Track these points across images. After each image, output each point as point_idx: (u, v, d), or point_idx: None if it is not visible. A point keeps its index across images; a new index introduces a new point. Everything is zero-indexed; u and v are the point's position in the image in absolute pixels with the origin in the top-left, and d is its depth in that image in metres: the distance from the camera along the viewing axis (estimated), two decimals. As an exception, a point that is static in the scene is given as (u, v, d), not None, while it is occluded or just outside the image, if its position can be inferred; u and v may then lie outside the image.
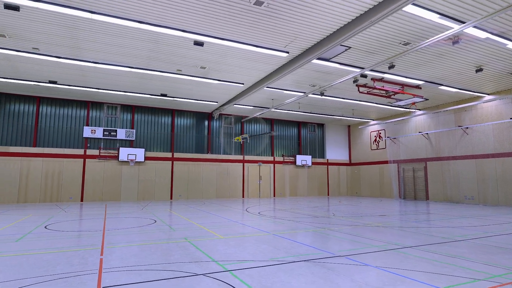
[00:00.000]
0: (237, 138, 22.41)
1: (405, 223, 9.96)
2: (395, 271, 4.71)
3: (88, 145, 19.69)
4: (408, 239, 7.25)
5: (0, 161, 17.41)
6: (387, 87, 15.71)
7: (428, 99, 18.62)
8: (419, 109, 21.41)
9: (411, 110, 21.61)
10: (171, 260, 5.34)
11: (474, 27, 9.59)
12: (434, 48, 11.69)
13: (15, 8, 8.84)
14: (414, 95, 16.63)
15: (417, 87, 16.22)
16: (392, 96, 17.15)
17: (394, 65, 12.59)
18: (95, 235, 7.70)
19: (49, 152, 18.50)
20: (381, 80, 15.19)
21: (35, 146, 18.38)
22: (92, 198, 19.12)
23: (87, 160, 19.31)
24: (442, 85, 15.79)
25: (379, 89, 15.55)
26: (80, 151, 19.24)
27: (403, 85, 15.90)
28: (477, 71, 13.48)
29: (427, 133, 21.12)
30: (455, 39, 10.25)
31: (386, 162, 24.36)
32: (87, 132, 19.57)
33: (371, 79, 15.00)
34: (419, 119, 21.83)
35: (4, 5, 8.71)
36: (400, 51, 11.70)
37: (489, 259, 5.48)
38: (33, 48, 11.80)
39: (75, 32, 10.54)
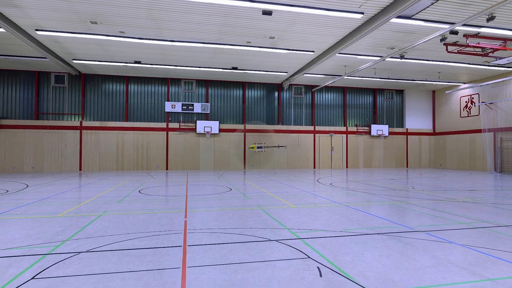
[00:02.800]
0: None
1: (501, 200, 8.81)
2: (486, 251, 4.27)
3: (170, 118, 21.53)
4: (504, 217, 6.43)
5: (102, 134, 20.26)
6: (484, 43, 13.46)
7: (539, 55, 15.49)
8: (526, 68, 17.99)
9: (515, 69, 18.29)
10: (246, 226, 5.69)
11: None
12: (552, -10, 9.48)
13: (103, -4, 9.76)
14: (520, 51, 13.96)
15: (525, 40, 13.54)
16: (490, 54, 14.66)
17: (495, 17, 10.62)
18: (180, 200, 8.58)
19: (138, 126, 20.80)
20: (476, 36, 13.04)
21: (127, 120, 20.82)
22: (175, 167, 21.15)
23: (169, 132, 21.22)
24: (560, 36, 12.91)
25: (474, 46, 13.41)
26: (163, 125, 21.18)
27: (505, 39, 13.43)
28: None
29: (535, 96, 17.78)
30: None
31: (479, 131, 21.43)
32: (168, 107, 21.34)
33: (463, 35, 12.99)
34: (526, 80, 18.41)
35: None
36: (504, -1, 9.79)
37: None
38: (119, 32, 13.04)
39: (154, 13, 11.27)
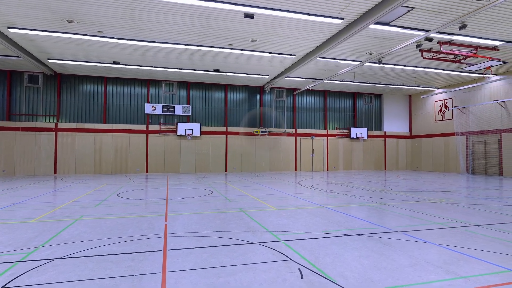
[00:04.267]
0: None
1: (473, 200, 9.20)
2: (459, 250, 4.44)
3: (150, 120, 21.15)
4: (476, 217, 6.72)
5: (78, 136, 19.62)
6: (457, 50, 14.07)
7: (506, 62, 16.34)
8: (495, 74, 18.93)
9: (485, 75, 19.20)
10: (227, 229, 5.66)
11: None
12: (518, 2, 10.05)
13: (81, -6, 9.50)
14: (490, 58, 14.68)
15: (494, 48, 14.26)
16: (463, 61, 15.34)
17: (466, 25, 11.15)
18: (160, 203, 8.43)
19: (117, 128, 20.30)
20: (450, 43, 13.62)
21: (105, 122, 20.27)
22: (155, 170, 20.77)
23: (149, 135, 20.84)
24: (526, 44, 13.67)
25: (447, 53, 13.99)
26: (143, 127, 20.78)
27: (476, 47, 14.09)
28: None
29: (503, 101, 18.72)
30: (547, -11, 8.67)
31: (452, 134, 22.33)
32: (148, 108, 20.96)
33: (438, 42, 13.53)
34: (495, 86, 19.36)
35: (72, -8, 9.41)
36: (474, 8, 10.28)
37: None
38: (98, 31, 12.71)
39: (134, 13, 11.07)
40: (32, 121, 19.15)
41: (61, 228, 5.64)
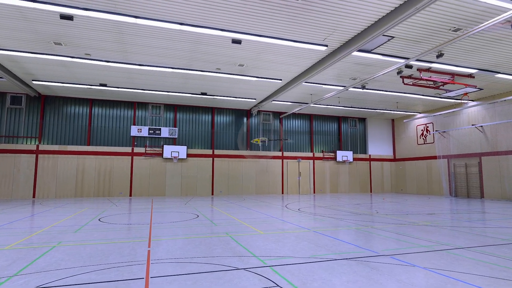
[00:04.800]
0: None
1: (457, 222, 9.31)
2: (446, 273, 4.43)
3: (135, 143, 20.88)
4: (460, 240, 6.78)
5: (60, 159, 19.10)
6: (435, 77, 14.71)
7: (482, 89, 17.16)
8: (472, 100, 19.79)
9: (462, 101, 20.04)
10: (213, 254, 5.50)
11: (538, 7, 8.63)
12: (489, 33, 10.72)
13: (69, 17, 9.60)
14: (466, 85, 15.40)
15: (470, 76, 15.00)
16: (441, 87, 16.02)
17: (443, 54, 11.75)
18: (143, 228, 8.17)
19: (101, 150, 19.91)
20: (428, 70, 14.26)
21: (89, 144, 19.89)
22: (140, 193, 20.28)
23: (134, 157, 20.50)
24: (498, 72, 14.45)
25: (426, 80, 14.61)
26: (128, 149, 20.46)
27: (453, 74, 14.79)
28: (541, 55, 12.15)
29: (481, 126, 19.48)
30: (515, 22, 9.31)
31: (434, 157, 22.90)
32: (134, 131, 20.75)
33: (417, 69, 14.15)
34: (472, 111, 20.19)
35: (60, 16, 9.49)
36: (450, 38, 10.89)
37: (557, 264, 4.95)
38: (85, 54, 12.73)
39: (122, 36, 11.19)
40: (13, 143, 18.61)
41: (37, 256, 5.35)
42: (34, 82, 16.47)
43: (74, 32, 10.85)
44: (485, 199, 18.65)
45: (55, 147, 19.11)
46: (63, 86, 17.27)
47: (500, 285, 3.95)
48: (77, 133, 19.90)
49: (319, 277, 4.28)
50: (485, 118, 19.39)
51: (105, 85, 17.19)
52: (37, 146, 18.81)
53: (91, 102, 20.28)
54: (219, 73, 14.91)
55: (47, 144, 19.23)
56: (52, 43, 11.70)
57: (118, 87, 17.60)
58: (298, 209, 12.86)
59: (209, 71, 14.75)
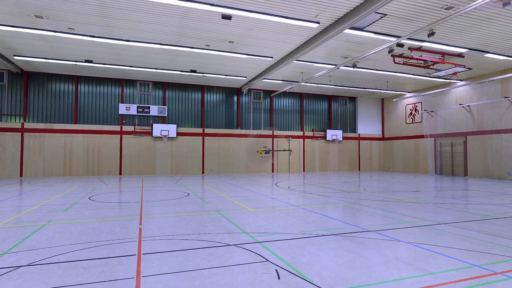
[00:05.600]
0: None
1: (441, 199, 9.64)
2: (428, 247, 4.63)
3: (124, 121, 20.57)
4: (443, 216, 7.04)
5: (47, 137, 18.74)
6: (426, 56, 14.71)
7: (471, 69, 17.28)
8: (461, 80, 19.98)
9: (451, 81, 20.21)
10: (204, 231, 5.60)
11: (530, -15, 8.59)
12: (481, 12, 10.67)
13: (50, -11, 9.11)
14: (456, 65, 15.47)
15: (460, 55, 15.06)
16: (431, 66, 16.07)
17: (434, 32, 11.69)
18: (134, 206, 8.21)
19: (88, 128, 19.58)
20: (419, 49, 14.23)
21: (76, 123, 19.51)
22: (129, 172, 20.21)
23: (123, 136, 20.25)
24: (488, 52, 14.53)
25: (417, 59, 14.60)
26: (117, 128, 20.17)
27: (443, 54, 14.81)
28: (530, 35, 12.23)
29: (468, 106, 19.79)
30: (506, 0, 9.27)
31: (421, 136, 23.31)
32: (122, 109, 20.38)
33: (408, 48, 14.10)
34: (460, 91, 20.43)
35: (40, -13, 9.00)
36: (442, 17, 10.81)
37: (532, 237, 5.22)
38: (69, 28, 12.23)
39: (106, 10, 10.74)
40: (-4, 121, 18.12)
41: (27, 234, 5.35)
42: (15, 57, 15.84)
43: (56, 5, 10.36)
44: (468, 177, 19.25)
45: (41, 126, 18.69)
46: (46, 62, 16.66)
47: (478, 258, 4.16)
48: (64, 111, 19.44)
49: (308, 252, 4.42)
50: (472, 98, 19.67)
51: (90, 62, 16.66)
52: (22, 124, 18.36)
53: (76, 79, 19.70)
54: (209, 50, 14.58)
55: (33, 122, 18.78)
56: (33, 16, 11.16)
57: (105, 64, 17.09)
58: (288, 187, 13.06)
59: (198, 48, 14.40)
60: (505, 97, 17.54)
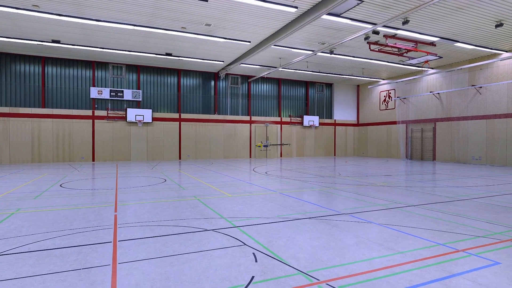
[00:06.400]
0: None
1: (410, 183, 10.10)
2: (398, 228, 4.87)
3: (96, 106, 19.78)
4: (412, 198, 7.40)
5: (12, 121, 17.73)
6: (400, 44, 15.05)
7: (442, 57, 17.90)
8: (432, 68, 20.68)
9: (423, 68, 20.87)
10: (181, 217, 5.58)
11: (498, -23, 8.89)
12: (453, 1, 10.98)
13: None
14: (428, 53, 15.96)
15: (431, 44, 15.53)
16: (405, 54, 16.49)
17: (409, 21, 11.95)
18: (109, 193, 8.02)
19: (58, 113, 18.68)
20: (394, 37, 14.52)
21: (44, 107, 18.54)
22: (103, 158, 19.62)
23: (95, 121, 19.52)
24: (457, 41, 15.07)
25: (392, 46, 14.92)
26: (89, 112, 19.39)
27: (416, 42, 15.21)
28: (496, 26, 12.75)
29: (438, 93, 20.59)
30: (476, -9, 9.57)
31: (394, 122, 24.10)
32: (94, 93, 19.56)
33: (384, 35, 14.35)
34: (431, 78, 21.17)
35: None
36: (416, 5, 11.03)
37: (491, 217, 5.61)
38: (33, 5, 11.42)
39: (75, -13, 10.10)
40: (-46, 104, 16.88)
41: (-6, 223, 5.12)
42: (-27, 35, 14.69)
43: (18, -21, 9.62)
44: (436, 161, 20.24)
45: (5, 109, 17.63)
46: (9, 41, 15.56)
47: (443, 237, 4.44)
48: (31, 95, 18.40)
49: (284, 235, 4.53)
50: (442, 86, 20.45)
51: (58, 42, 15.73)
52: (-16, 108, 17.23)
53: (43, 60, 18.60)
54: (184, 32, 14.15)
55: (-4, 105, 17.67)
56: (-9, -9, 10.33)
57: (74, 45, 16.20)
58: (265, 172, 13.20)
59: (173, 30, 13.94)
60: (472, 85, 18.37)
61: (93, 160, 19.40)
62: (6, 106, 17.84)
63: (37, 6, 11.48)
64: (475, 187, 9.33)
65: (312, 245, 4.10)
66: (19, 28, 13.91)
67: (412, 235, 4.55)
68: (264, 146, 22.90)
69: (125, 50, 17.25)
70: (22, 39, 15.25)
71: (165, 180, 10.56)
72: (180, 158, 21.58)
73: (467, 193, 8.25)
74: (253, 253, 3.80)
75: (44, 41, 15.62)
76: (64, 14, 12.20)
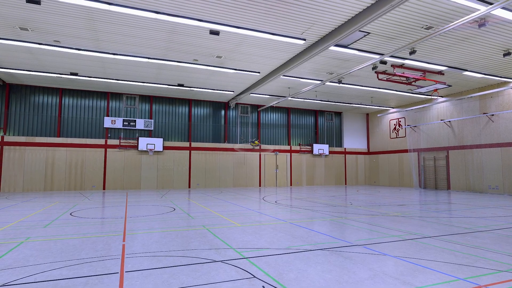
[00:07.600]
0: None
1: (425, 213, 9.77)
2: (414, 261, 4.66)
3: (109, 135, 20.23)
4: (428, 229, 7.12)
5: (28, 151, 18.19)
6: (408, 73, 15.21)
7: (451, 86, 17.93)
8: (441, 96, 20.67)
9: (432, 97, 20.90)
10: (190, 247, 5.48)
11: (503, 8, 9.08)
12: (459, 32, 11.18)
13: (37, 1, 9.05)
14: (436, 82, 16.04)
15: (440, 73, 15.63)
16: (413, 83, 16.61)
17: (415, 51, 12.15)
18: (118, 222, 7.98)
19: (72, 142, 19.14)
20: (401, 66, 14.71)
21: (59, 136, 19.06)
22: (113, 187, 19.75)
23: (108, 149, 19.88)
24: (466, 70, 15.15)
25: (399, 75, 15.08)
26: (101, 141, 19.81)
27: (424, 71, 15.36)
28: (504, 55, 12.83)
29: (449, 121, 20.42)
30: (482, 22, 9.76)
31: (405, 151, 23.81)
32: (107, 122, 20.08)
33: (391, 65, 14.56)
34: (441, 107, 21.10)
35: (26, -1, 8.94)
36: (422, 36, 11.26)
37: (514, 250, 5.32)
38: (54, 40, 12.10)
39: (94, 24, 10.71)
40: (-26, 134, 17.51)
41: (2, 252, 5.11)
42: (-3, 69, 15.51)
43: (42, 17, 10.27)
44: (451, 191, 19.66)
45: (22, 139, 18.17)
46: (29, 74, 16.37)
47: (463, 271, 4.21)
48: (46, 124, 19.00)
49: (295, 267, 4.37)
50: (452, 114, 20.32)
51: (76, 74, 16.46)
52: (2, 138, 17.80)
53: (61, 92, 19.38)
54: (196, 64, 14.66)
55: (13, 135, 18.25)
56: (17, 28, 11.02)
57: (90, 77, 16.91)
58: (275, 202, 13.01)
59: (186, 62, 14.46)
60: (484, 113, 18.20)
61: (104, 188, 19.53)
62: (23, 135, 18.41)
63: (58, 41, 12.15)
64: (494, 217, 8.96)
65: (325, 278, 3.94)
66: (39, 62, 14.66)
67: (430, 268, 4.33)
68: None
69: (139, 82, 17.89)
70: (42, 72, 16.02)
71: (174, 209, 10.49)
72: (189, 187, 21.55)
73: (486, 224, 7.91)
74: (263, 286, 3.66)
75: (63, 74, 16.36)
76: (83, 48, 12.85)
